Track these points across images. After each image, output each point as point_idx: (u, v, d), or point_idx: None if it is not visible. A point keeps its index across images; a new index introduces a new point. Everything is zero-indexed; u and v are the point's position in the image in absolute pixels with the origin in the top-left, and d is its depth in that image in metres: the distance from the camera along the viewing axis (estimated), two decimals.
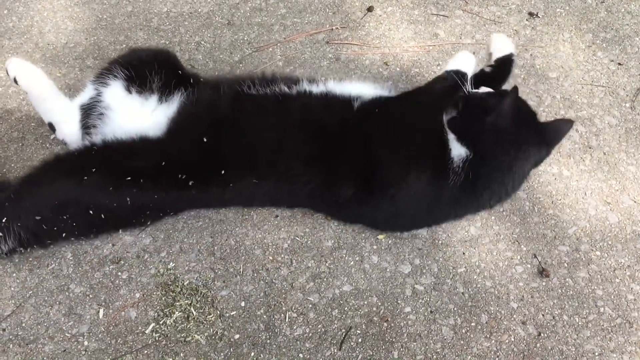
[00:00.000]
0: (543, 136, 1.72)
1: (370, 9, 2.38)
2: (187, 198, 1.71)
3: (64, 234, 1.66)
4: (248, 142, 1.68)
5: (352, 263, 1.73)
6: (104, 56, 2.18)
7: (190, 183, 1.65)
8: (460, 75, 1.82)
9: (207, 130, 1.68)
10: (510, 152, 1.66)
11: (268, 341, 1.59)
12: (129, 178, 1.61)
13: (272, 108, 1.73)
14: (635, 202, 1.87)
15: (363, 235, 1.78)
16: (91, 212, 1.62)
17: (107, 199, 1.62)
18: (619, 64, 2.23)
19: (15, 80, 1.76)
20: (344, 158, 1.67)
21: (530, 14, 2.38)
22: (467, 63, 1.91)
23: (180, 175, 1.64)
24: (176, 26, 2.30)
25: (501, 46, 2.09)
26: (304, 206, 1.81)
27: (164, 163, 1.64)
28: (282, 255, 1.74)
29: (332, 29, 2.32)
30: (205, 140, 1.66)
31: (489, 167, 1.67)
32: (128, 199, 1.62)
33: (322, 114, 1.73)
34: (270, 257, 1.74)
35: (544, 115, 2.06)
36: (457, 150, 1.66)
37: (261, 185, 1.69)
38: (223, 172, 1.66)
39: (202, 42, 2.25)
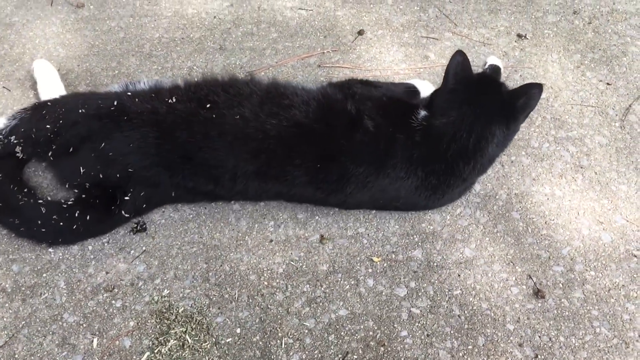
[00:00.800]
0: (507, 100, 1.75)
1: (361, 33, 2.40)
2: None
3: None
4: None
5: (347, 287, 1.73)
6: (97, 82, 2.18)
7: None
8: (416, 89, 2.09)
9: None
10: (459, 108, 1.73)
11: None
12: None
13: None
14: (627, 221, 1.89)
15: (358, 258, 1.78)
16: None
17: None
18: (608, 83, 2.26)
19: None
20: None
21: (519, 35, 2.41)
22: (424, 86, 2.11)
23: None
24: (168, 52, 2.31)
25: (492, 61, 2.22)
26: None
27: None
28: (277, 280, 1.74)
29: (324, 53, 2.34)
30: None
31: (439, 121, 1.73)
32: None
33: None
34: (266, 282, 1.73)
35: (535, 135, 2.08)
36: (421, 114, 1.77)
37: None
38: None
39: (195, 67, 2.26)
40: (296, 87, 1.85)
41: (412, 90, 2.07)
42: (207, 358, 1.59)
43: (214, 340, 1.62)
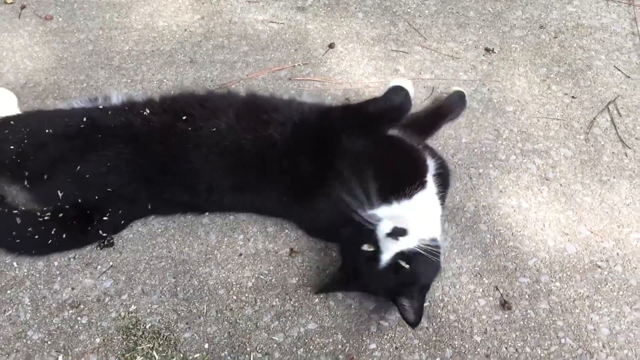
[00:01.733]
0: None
1: (331, 46, 2.42)
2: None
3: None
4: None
5: (316, 300, 1.73)
6: (65, 95, 2.17)
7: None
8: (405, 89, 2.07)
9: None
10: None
11: None
12: None
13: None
14: (592, 232, 1.92)
15: (327, 271, 1.79)
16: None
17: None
18: (573, 97, 2.30)
19: None
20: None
21: (487, 49, 2.45)
22: (408, 84, 2.10)
23: None
24: (138, 64, 2.30)
25: (456, 89, 2.24)
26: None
27: None
28: (247, 295, 1.73)
29: (294, 66, 2.35)
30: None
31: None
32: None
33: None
34: (234, 297, 1.73)
35: (502, 147, 2.11)
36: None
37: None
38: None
39: (165, 80, 2.25)
40: (277, 101, 1.85)
41: (402, 92, 2.02)
42: None
43: (181, 356, 1.61)
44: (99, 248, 1.79)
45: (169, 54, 2.34)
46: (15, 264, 1.74)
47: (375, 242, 1.56)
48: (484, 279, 1.80)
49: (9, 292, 1.68)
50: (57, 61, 2.27)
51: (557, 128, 2.20)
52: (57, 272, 1.74)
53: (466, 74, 2.36)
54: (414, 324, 1.55)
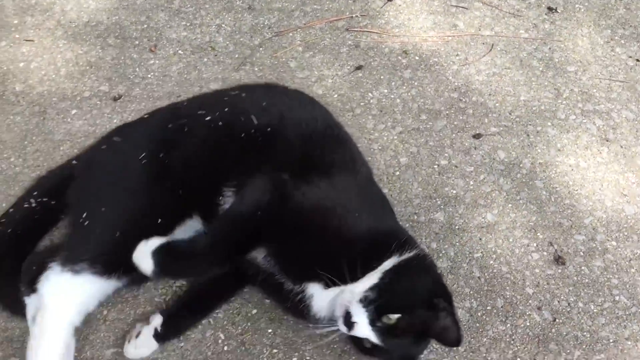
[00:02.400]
0: None
1: None
2: None
3: None
4: None
5: None
6: (125, 36, 2.20)
7: None
8: None
9: None
10: None
11: None
12: None
13: None
14: None
15: None
16: None
17: None
18: (637, 60, 2.24)
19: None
20: None
21: (550, 8, 2.39)
22: None
23: None
24: (197, 8, 2.31)
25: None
26: None
27: None
28: None
29: (352, 17, 2.33)
30: None
31: None
32: None
33: None
34: None
35: (562, 106, 2.08)
36: None
37: None
38: None
39: (223, 25, 2.26)
40: None
41: None
42: None
43: None
44: None
45: (228, 0, 2.35)
46: None
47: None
48: (539, 234, 1.79)
49: None
50: (118, 1, 2.30)
51: (619, 90, 2.14)
52: None
53: (527, 32, 2.31)
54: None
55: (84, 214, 1.44)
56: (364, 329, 1.31)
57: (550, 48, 2.26)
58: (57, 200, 1.58)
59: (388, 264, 1.38)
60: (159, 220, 1.45)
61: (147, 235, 1.39)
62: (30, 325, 1.43)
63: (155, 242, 1.36)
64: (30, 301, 1.45)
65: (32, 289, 1.44)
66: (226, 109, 1.58)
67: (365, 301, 1.31)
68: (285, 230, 1.39)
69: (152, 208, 1.47)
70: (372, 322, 1.31)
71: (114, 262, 1.42)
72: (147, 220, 1.45)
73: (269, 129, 1.54)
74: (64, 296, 1.40)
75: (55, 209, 1.59)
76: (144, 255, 1.34)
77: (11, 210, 1.62)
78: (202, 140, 1.55)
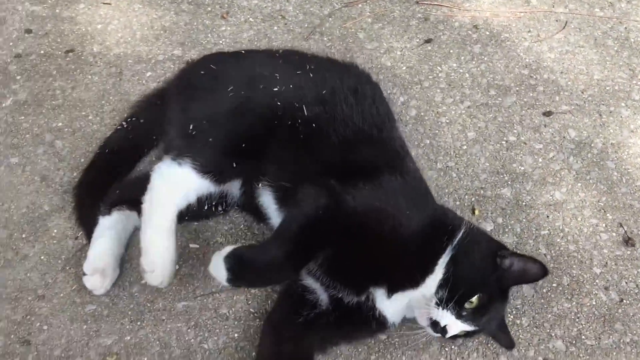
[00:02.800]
0: None
1: None
2: None
3: None
4: None
5: None
6: (198, 2, 2.24)
7: None
8: None
9: None
10: None
11: None
12: None
13: None
14: None
15: (446, 190, 1.79)
16: None
17: None
18: None
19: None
20: None
21: None
22: None
23: None
24: None
25: None
26: None
27: None
28: None
29: None
30: None
31: None
32: None
33: None
34: None
35: (637, 87, 2.02)
36: None
37: None
38: None
39: None
40: None
41: None
42: None
43: None
44: None
45: None
46: None
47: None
48: (608, 214, 1.76)
49: None
50: None
51: None
52: None
53: (602, 11, 2.26)
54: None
55: (190, 125, 1.53)
56: (455, 326, 1.33)
57: (626, 28, 2.20)
58: (145, 119, 1.74)
59: (445, 255, 1.38)
60: (243, 145, 1.52)
61: (235, 153, 1.52)
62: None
63: (227, 249, 1.36)
64: (102, 222, 1.58)
65: (109, 210, 1.59)
66: (291, 86, 1.57)
67: (442, 301, 1.33)
68: (342, 236, 1.36)
69: (237, 134, 1.54)
70: (459, 316, 1.33)
71: (209, 164, 1.51)
72: (236, 141, 1.52)
73: (313, 125, 1.52)
74: (172, 179, 1.51)
75: (146, 128, 1.74)
76: (218, 266, 1.36)
77: (108, 135, 1.79)
78: (264, 107, 1.55)
